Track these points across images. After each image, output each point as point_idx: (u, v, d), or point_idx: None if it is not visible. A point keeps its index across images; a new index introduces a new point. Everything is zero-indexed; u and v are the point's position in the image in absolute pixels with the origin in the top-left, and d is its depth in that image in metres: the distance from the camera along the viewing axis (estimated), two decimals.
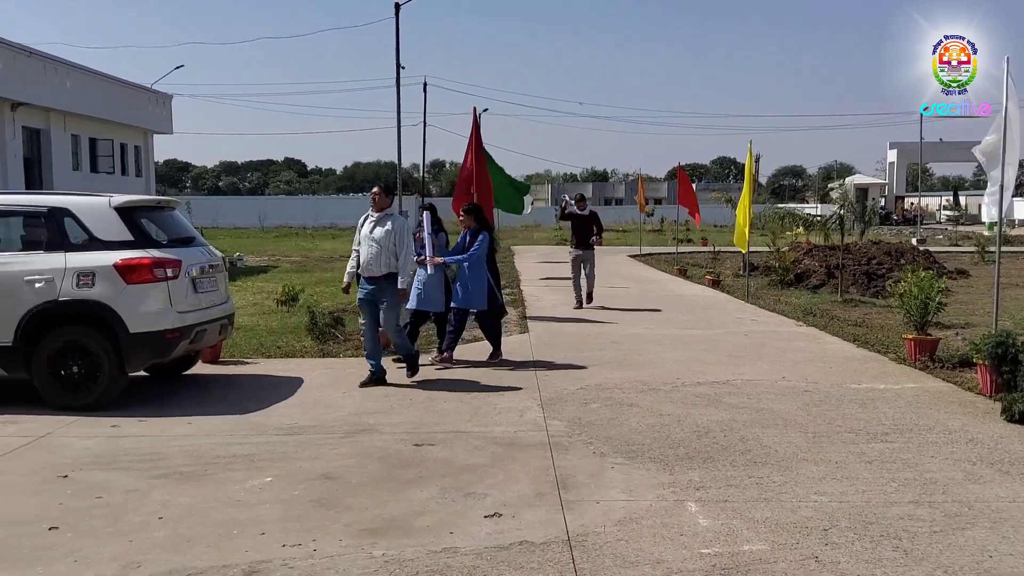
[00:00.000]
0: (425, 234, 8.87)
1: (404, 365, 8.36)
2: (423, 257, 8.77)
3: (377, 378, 8.02)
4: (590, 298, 14.01)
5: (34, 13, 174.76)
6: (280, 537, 4.31)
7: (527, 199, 21.80)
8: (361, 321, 8.34)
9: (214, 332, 8.03)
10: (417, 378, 8.19)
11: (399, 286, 7.98)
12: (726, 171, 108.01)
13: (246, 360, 9.38)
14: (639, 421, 6.66)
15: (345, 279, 8.51)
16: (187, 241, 8.02)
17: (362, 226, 8.18)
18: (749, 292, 15.45)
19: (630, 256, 26.70)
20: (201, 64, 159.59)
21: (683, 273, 20.33)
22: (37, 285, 7.05)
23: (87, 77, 27.32)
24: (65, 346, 7.10)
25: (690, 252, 27.75)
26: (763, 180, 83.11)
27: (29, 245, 7.55)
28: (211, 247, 8.44)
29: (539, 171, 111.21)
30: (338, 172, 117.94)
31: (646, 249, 28.93)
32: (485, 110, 15.23)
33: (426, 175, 46.39)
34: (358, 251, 8.18)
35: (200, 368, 8.82)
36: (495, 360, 9.17)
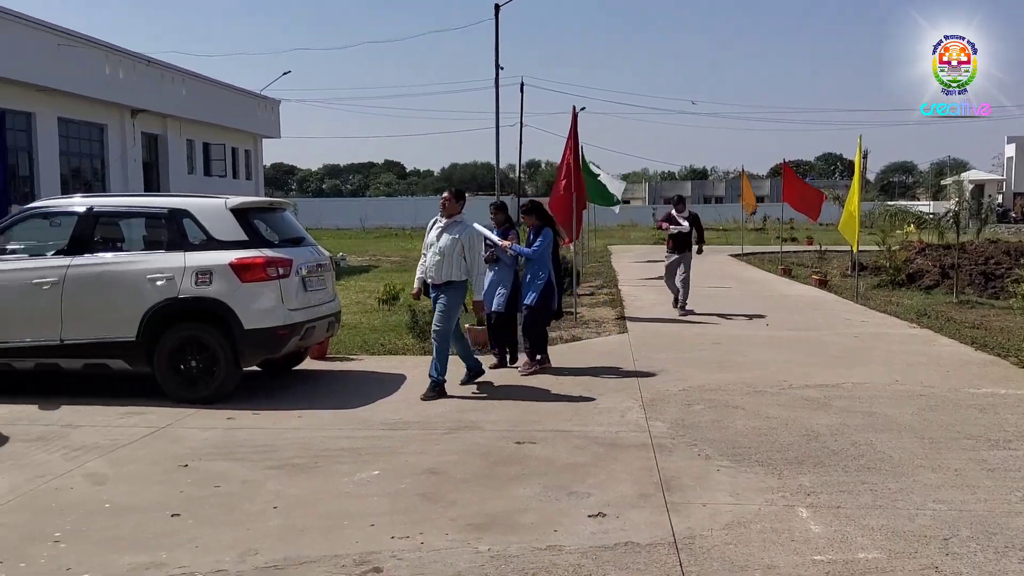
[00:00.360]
0: (484, 230, 8.53)
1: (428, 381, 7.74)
2: (490, 252, 8.53)
3: (475, 374, 8.03)
4: (682, 308, 12.92)
5: (152, 23, 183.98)
6: (388, 529, 4.40)
7: (619, 189, 21.65)
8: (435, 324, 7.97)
9: (322, 329, 8.27)
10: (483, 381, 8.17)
11: (476, 298, 7.83)
12: (832, 167, 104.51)
13: (351, 357, 9.63)
14: (744, 424, 6.52)
15: (415, 285, 8.13)
16: (297, 241, 8.29)
17: (430, 231, 7.93)
18: (858, 292, 14.91)
19: (732, 256, 26.17)
20: (307, 70, 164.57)
21: (788, 273, 19.79)
22: (159, 283, 7.40)
23: (201, 84, 28.58)
24: (184, 341, 7.44)
25: (795, 251, 26.97)
26: (871, 176, 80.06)
27: (151, 245, 7.95)
28: (319, 247, 8.70)
29: (636, 169, 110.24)
30: (436, 173, 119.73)
31: (748, 248, 28.28)
32: (582, 109, 15.29)
33: (522, 175, 46.65)
34: (427, 256, 7.91)
35: (308, 364, 9.10)
36: (534, 366, 8.59)
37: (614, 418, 6.75)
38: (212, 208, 7.72)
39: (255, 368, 8.36)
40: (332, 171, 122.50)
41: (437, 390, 7.54)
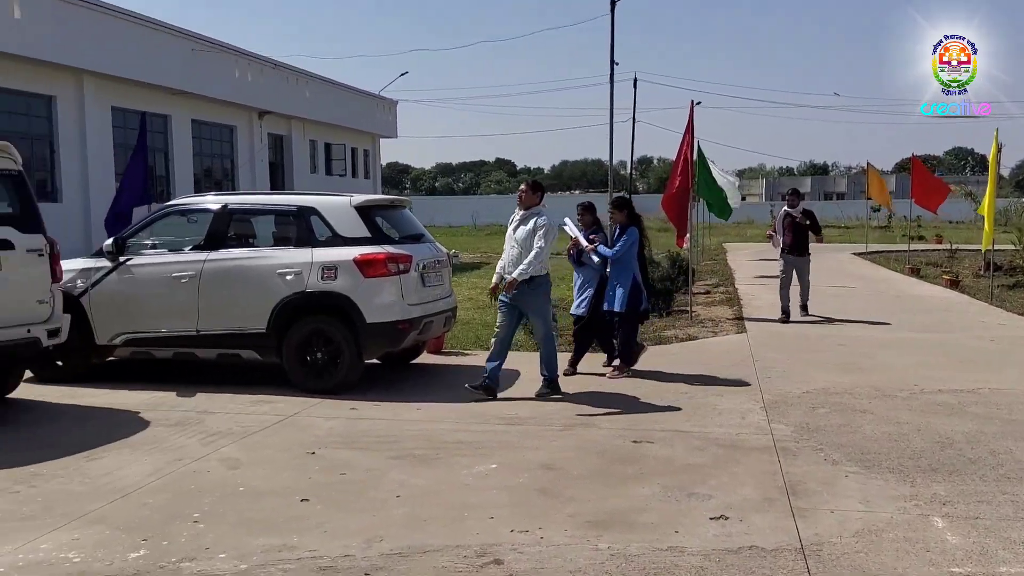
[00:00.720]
0: (568, 228, 8.38)
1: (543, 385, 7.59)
2: (577, 247, 8.26)
3: (487, 387, 7.39)
4: (805, 309, 12.18)
5: (279, 27, 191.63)
6: (508, 522, 4.45)
7: (736, 193, 21.12)
8: (497, 324, 7.66)
9: (439, 324, 8.44)
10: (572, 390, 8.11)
11: (515, 276, 7.27)
12: (962, 162, 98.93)
13: (466, 352, 9.77)
14: (873, 429, 6.26)
15: (493, 279, 7.79)
16: (417, 238, 8.48)
17: (509, 225, 7.72)
18: (993, 294, 14.08)
19: (855, 254, 25.16)
20: (424, 70, 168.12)
21: (916, 272, 18.87)
22: (288, 277, 7.71)
23: (323, 86, 29.56)
24: (311, 334, 7.72)
25: (923, 250, 25.67)
26: (1005, 172, 75.28)
27: (280, 241, 8.29)
28: (437, 244, 8.86)
29: (752, 165, 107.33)
30: (546, 171, 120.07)
31: (872, 247, 27.10)
32: (698, 103, 14.87)
33: (634, 172, 46.19)
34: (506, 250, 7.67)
35: (425, 358, 9.29)
36: (621, 372, 8.27)
37: (734, 419, 6.60)
38: (338, 206, 7.98)
39: (375, 361, 8.60)
40: (444, 169, 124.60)
41: (552, 387, 7.51)
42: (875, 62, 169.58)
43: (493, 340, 7.60)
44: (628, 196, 10.52)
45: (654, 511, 4.63)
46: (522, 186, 7.69)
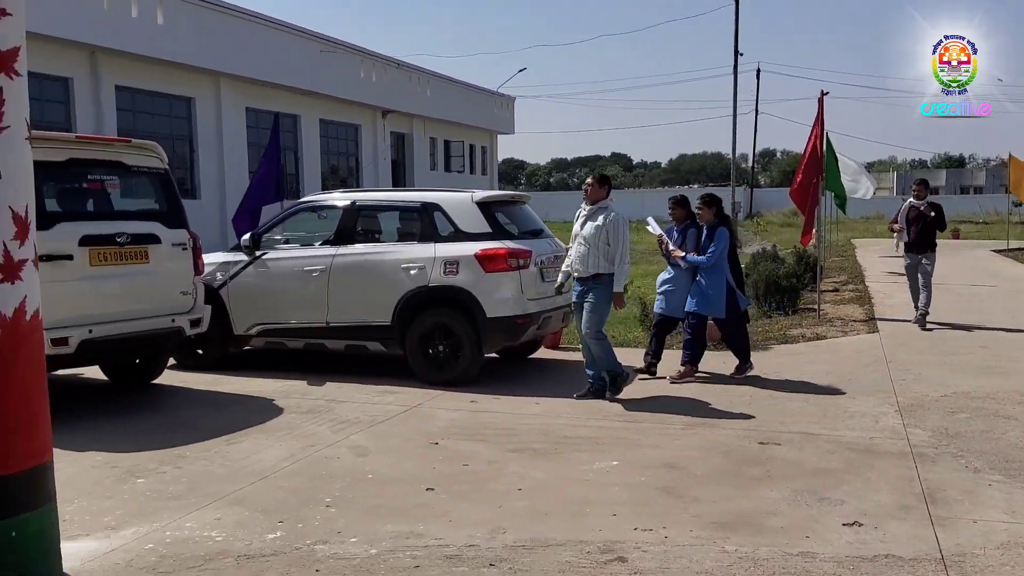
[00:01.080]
0: (651, 227, 8.13)
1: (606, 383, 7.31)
2: (670, 248, 7.95)
3: (596, 391, 7.24)
4: (923, 320, 10.73)
5: (402, 27, 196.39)
6: (631, 520, 4.42)
7: (868, 182, 20.20)
8: (578, 329, 7.41)
9: (557, 319, 8.46)
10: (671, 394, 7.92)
11: (615, 289, 7.09)
12: None
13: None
14: (1019, 436, 5.89)
15: (559, 278, 7.63)
16: (536, 233, 8.52)
17: (576, 220, 7.42)
18: None
19: (994, 251, 23.69)
20: (542, 66, 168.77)
21: None
22: (412, 272, 7.90)
23: (443, 84, 30.13)
24: (433, 327, 7.89)
25: None
26: None
27: (404, 236, 8.50)
28: (557, 239, 8.88)
29: (882, 158, 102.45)
30: (663, 165, 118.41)
31: (1014, 243, 25.44)
32: (826, 93, 14.24)
33: (755, 165, 45.09)
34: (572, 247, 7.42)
35: (542, 353, 9.33)
36: (741, 373, 7.98)
37: (867, 423, 6.34)
38: (460, 202, 8.12)
39: (494, 355, 8.70)
40: (560, 165, 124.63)
41: (617, 386, 7.18)
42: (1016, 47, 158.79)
43: (582, 347, 7.41)
44: (754, 190, 10.01)
45: (783, 515, 4.50)
46: (588, 180, 7.41)
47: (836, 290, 15.02)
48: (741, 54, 18.40)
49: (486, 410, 6.95)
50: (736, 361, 8.15)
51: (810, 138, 11.63)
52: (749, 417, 6.56)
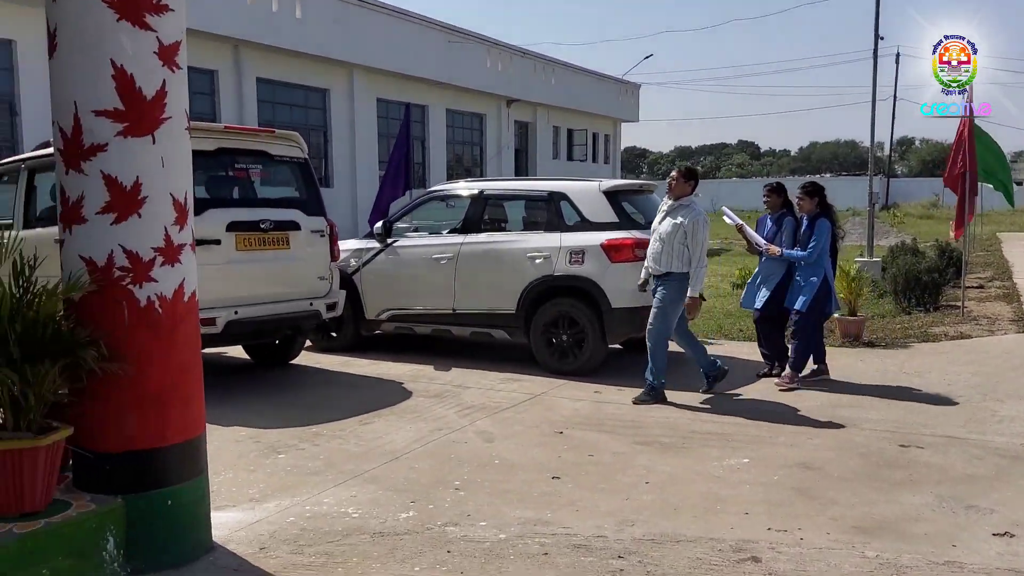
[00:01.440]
0: (728, 218, 7.65)
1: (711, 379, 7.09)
2: (763, 247, 7.47)
3: (713, 378, 7.02)
4: None
5: (528, 17, 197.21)
6: (764, 520, 4.31)
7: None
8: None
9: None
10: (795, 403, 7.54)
11: (690, 293, 6.74)
12: None
13: (709, 340, 9.54)
14: None
15: (641, 275, 7.19)
16: None
17: (657, 215, 7.11)
18: None
19: None
20: (668, 52, 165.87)
21: None
22: (537, 261, 7.94)
23: (567, 72, 30.07)
24: (557, 316, 7.90)
25: None
26: None
27: (530, 225, 8.54)
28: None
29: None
30: (792, 153, 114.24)
31: None
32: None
33: (892, 154, 42.95)
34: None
35: None
36: (792, 380, 7.28)
37: (1018, 428, 5.94)
38: (587, 191, 8.09)
39: (617, 346, 8.64)
40: (683, 153, 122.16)
41: (653, 395, 6.83)
42: None
43: (680, 342, 7.12)
44: (890, 180, 9.17)
45: (927, 521, 4.28)
46: (673, 172, 6.95)
47: (981, 287, 14.14)
48: (882, 38, 17.44)
49: (610, 401, 6.92)
50: (789, 364, 7.42)
51: (960, 125, 10.98)
52: (890, 418, 6.27)
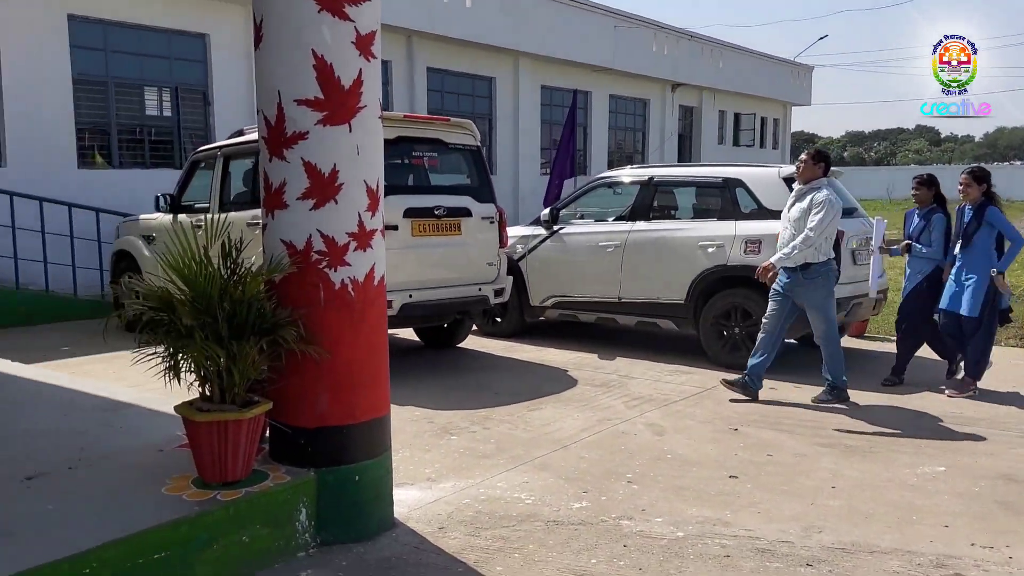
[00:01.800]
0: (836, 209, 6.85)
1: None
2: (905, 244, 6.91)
3: (744, 387, 6.53)
4: None
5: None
6: (966, 534, 3.97)
7: None
8: (765, 316, 6.60)
9: (868, 306, 7.82)
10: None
11: (771, 260, 6.34)
12: None
13: (890, 338, 8.93)
14: None
15: (767, 260, 6.55)
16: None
17: (788, 201, 6.61)
18: None
19: None
20: (842, 32, 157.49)
21: None
22: (709, 250, 7.70)
23: (736, 55, 29.05)
24: (729, 308, 7.64)
25: None
26: None
27: (701, 213, 8.29)
28: (869, 219, 8.20)
29: None
30: (976, 139, 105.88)
31: None
32: None
33: None
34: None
35: (847, 342, 8.63)
36: (967, 388, 6.67)
37: None
38: (766, 177, 7.76)
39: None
40: (855, 138, 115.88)
41: (834, 394, 6.40)
42: None
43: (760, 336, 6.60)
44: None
45: None
46: (802, 155, 6.47)
47: None
48: None
49: (786, 398, 6.62)
50: (966, 371, 6.82)
51: None
52: None
